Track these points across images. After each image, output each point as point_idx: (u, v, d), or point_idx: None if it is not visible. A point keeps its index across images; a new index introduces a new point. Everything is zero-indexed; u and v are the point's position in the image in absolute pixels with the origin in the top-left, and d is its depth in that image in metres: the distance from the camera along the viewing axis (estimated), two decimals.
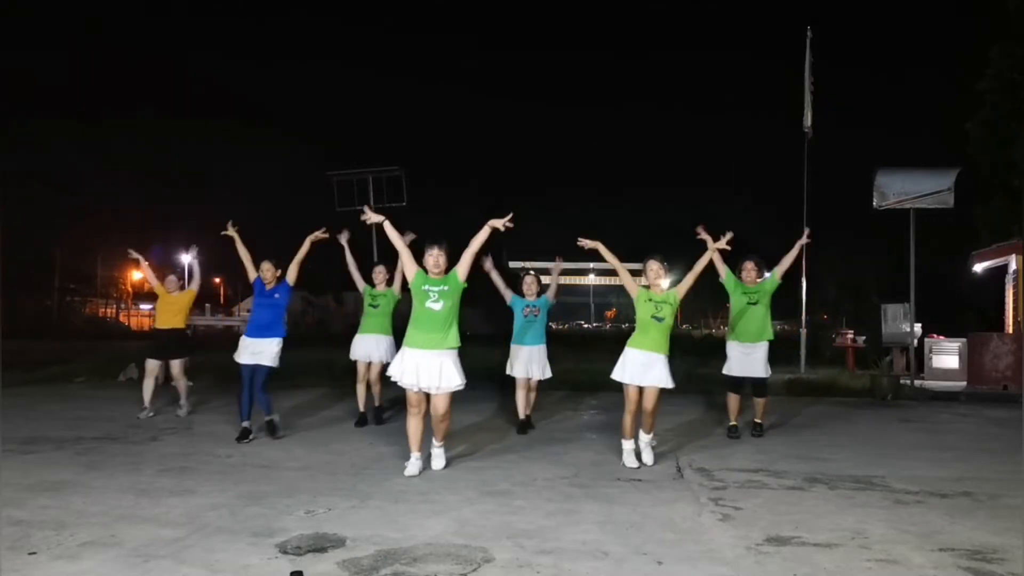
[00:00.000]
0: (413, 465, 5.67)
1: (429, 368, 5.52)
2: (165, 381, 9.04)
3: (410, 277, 5.73)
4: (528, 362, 7.57)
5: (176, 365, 8.61)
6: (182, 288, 8.89)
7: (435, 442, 5.88)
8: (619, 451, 6.23)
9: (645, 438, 6.17)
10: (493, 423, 8.25)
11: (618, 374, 6.06)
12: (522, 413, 7.71)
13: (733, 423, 7.51)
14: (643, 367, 5.96)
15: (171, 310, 8.68)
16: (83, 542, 4.02)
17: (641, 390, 5.98)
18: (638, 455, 6.12)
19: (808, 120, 14.44)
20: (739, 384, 7.48)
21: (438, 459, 5.88)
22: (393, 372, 5.64)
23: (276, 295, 7.21)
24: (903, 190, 12.91)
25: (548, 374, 7.74)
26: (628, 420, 6.07)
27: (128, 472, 5.72)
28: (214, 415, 8.73)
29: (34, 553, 3.85)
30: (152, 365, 8.66)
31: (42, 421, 8.12)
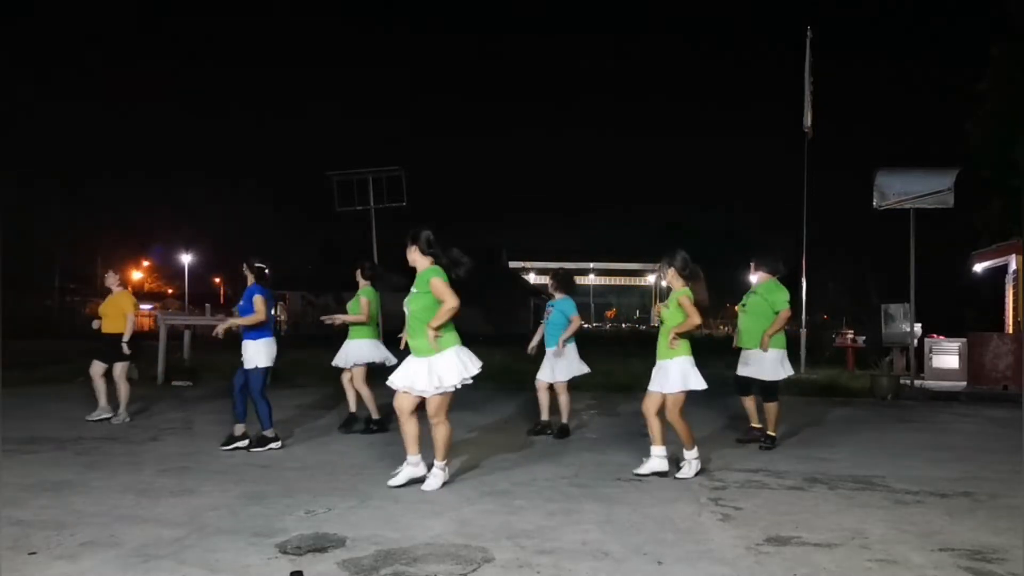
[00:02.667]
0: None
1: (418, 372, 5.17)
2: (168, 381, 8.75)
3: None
4: (548, 364, 7.47)
5: (117, 368, 8.18)
6: (123, 286, 8.47)
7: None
8: (619, 451, 6.24)
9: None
10: (494, 423, 8.25)
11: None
12: (544, 415, 7.59)
13: (753, 424, 7.17)
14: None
15: (107, 312, 8.24)
16: (83, 542, 4.02)
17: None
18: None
19: (808, 120, 14.44)
20: (746, 386, 7.19)
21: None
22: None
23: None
24: (903, 190, 12.90)
25: (561, 376, 7.46)
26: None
27: (128, 472, 5.72)
28: (214, 415, 8.72)
29: (34, 553, 3.85)
30: (97, 367, 8.24)
31: (42, 421, 8.11)
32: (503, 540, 4.09)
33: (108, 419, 8.20)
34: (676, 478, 5.60)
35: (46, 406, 9.35)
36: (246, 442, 6.66)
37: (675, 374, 5.57)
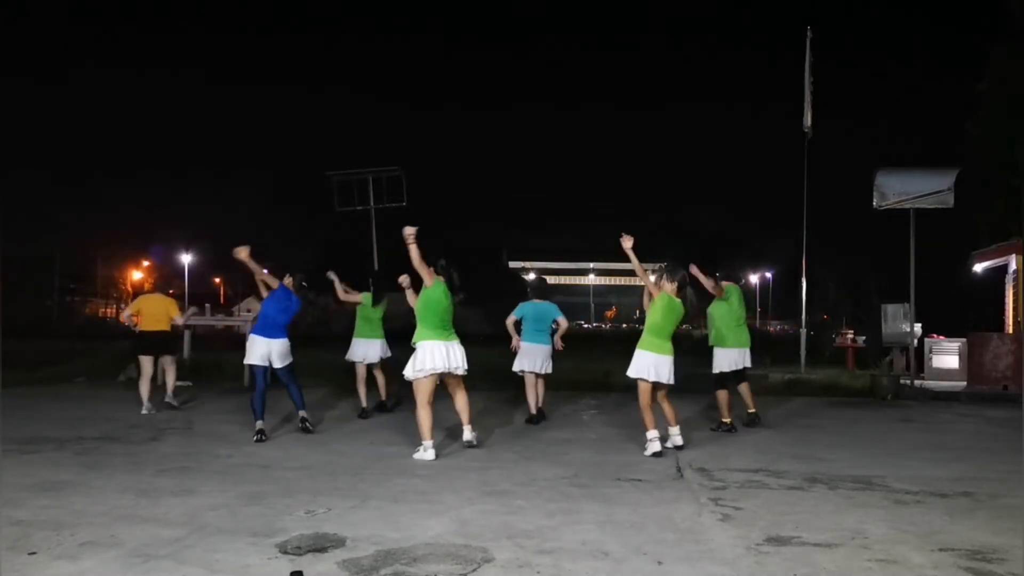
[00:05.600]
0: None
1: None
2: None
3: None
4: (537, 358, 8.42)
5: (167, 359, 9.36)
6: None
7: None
8: (619, 451, 6.45)
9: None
10: (494, 423, 8.25)
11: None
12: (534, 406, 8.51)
13: (726, 419, 7.95)
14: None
15: (152, 311, 9.27)
16: (83, 542, 4.02)
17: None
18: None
19: (808, 120, 14.42)
20: (726, 380, 8.09)
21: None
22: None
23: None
24: (903, 190, 12.91)
25: (549, 368, 8.49)
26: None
27: (128, 472, 5.71)
28: (214, 415, 8.73)
29: (34, 553, 3.85)
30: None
31: (42, 421, 8.11)
32: (503, 540, 4.08)
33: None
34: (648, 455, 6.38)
35: (46, 406, 9.34)
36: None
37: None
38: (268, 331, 7.30)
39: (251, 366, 7.39)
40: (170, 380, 9.29)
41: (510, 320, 8.52)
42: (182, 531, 4.21)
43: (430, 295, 6.42)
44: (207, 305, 18.08)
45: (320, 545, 3.98)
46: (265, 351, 7.25)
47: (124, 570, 3.63)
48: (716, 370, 7.96)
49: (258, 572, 3.61)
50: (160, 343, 9.16)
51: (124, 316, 9.67)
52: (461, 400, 6.62)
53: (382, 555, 3.82)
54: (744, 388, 8.12)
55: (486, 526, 4.35)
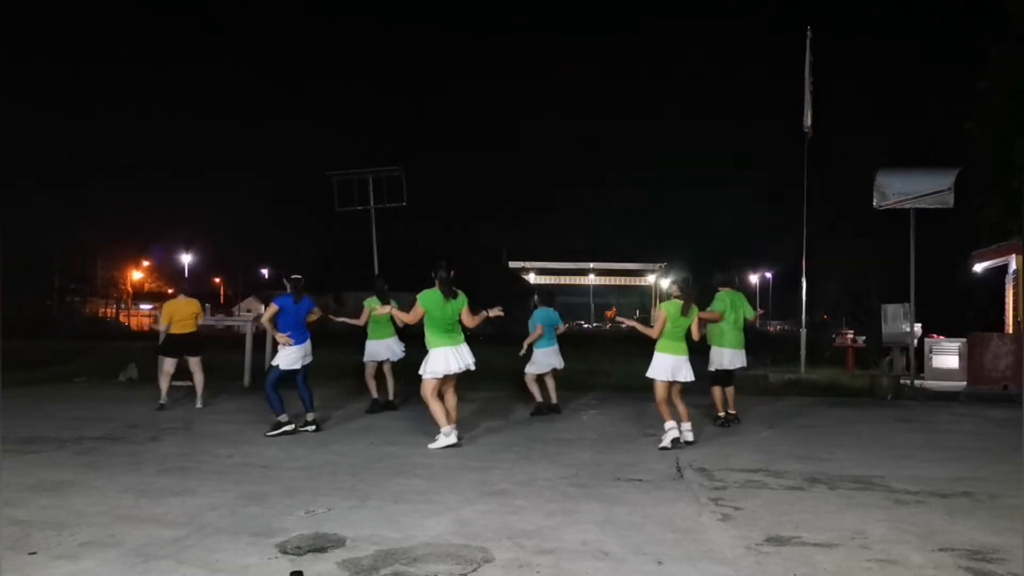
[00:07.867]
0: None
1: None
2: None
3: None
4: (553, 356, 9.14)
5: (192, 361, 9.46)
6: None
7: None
8: (619, 451, 6.45)
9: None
10: (494, 423, 8.25)
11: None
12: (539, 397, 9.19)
13: (722, 412, 8.35)
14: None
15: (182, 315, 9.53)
16: (83, 542, 4.02)
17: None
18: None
19: (808, 120, 14.42)
20: (727, 377, 8.42)
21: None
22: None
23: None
24: (903, 190, 12.89)
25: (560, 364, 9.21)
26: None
27: (128, 472, 5.72)
28: (214, 415, 8.73)
29: (34, 553, 3.85)
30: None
31: (42, 421, 8.12)
32: (503, 540, 4.09)
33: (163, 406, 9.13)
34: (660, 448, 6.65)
35: (46, 406, 9.34)
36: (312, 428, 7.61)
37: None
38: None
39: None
40: (200, 381, 9.39)
41: (538, 330, 8.95)
42: (182, 531, 4.21)
43: (430, 303, 6.73)
44: (207, 305, 18.12)
45: (320, 545, 3.98)
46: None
47: (124, 570, 3.63)
48: (712, 367, 8.30)
49: (258, 572, 3.61)
50: (189, 345, 9.39)
51: (161, 328, 9.77)
52: (453, 399, 6.96)
53: (382, 555, 3.82)
54: (730, 391, 8.39)
55: (486, 526, 4.35)
